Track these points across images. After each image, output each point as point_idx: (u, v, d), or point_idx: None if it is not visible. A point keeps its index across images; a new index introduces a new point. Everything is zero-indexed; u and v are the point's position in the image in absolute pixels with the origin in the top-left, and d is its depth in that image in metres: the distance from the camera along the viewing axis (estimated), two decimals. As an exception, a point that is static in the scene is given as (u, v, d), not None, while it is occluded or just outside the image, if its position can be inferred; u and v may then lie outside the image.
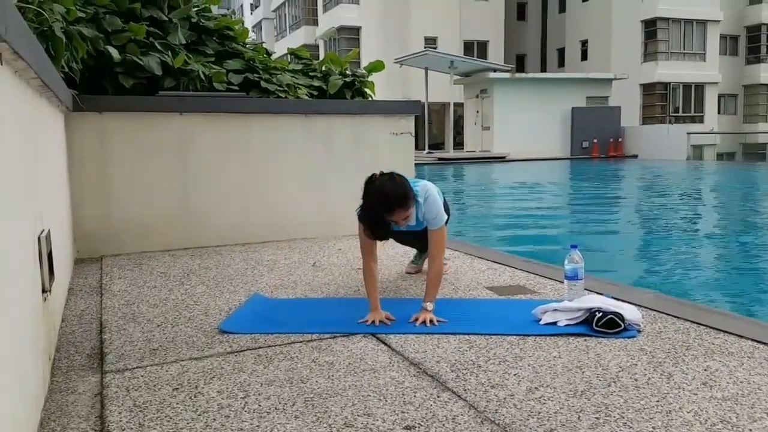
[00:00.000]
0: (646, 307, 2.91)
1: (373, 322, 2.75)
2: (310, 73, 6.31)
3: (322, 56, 8.64)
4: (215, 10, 6.27)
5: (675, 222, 10.01)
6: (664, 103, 31.81)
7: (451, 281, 3.58)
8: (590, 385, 2.07)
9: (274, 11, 43.78)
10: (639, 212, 11.48)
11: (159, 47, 5.12)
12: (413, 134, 5.68)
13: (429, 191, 2.97)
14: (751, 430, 1.75)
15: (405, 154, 5.58)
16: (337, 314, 2.95)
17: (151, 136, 4.70)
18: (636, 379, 2.11)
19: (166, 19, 5.41)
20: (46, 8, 3.41)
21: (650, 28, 31.53)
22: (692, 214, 11.34)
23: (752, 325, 2.72)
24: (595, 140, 27.27)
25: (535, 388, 2.05)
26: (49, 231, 2.50)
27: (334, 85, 6.02)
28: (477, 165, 23.99)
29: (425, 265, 3.86)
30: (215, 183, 4.89)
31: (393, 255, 4.40)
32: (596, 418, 1.83)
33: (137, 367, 2.31)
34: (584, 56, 35.05)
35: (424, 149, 26.49)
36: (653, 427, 1.77)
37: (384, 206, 2.73)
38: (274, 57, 6.61)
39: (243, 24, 6.56)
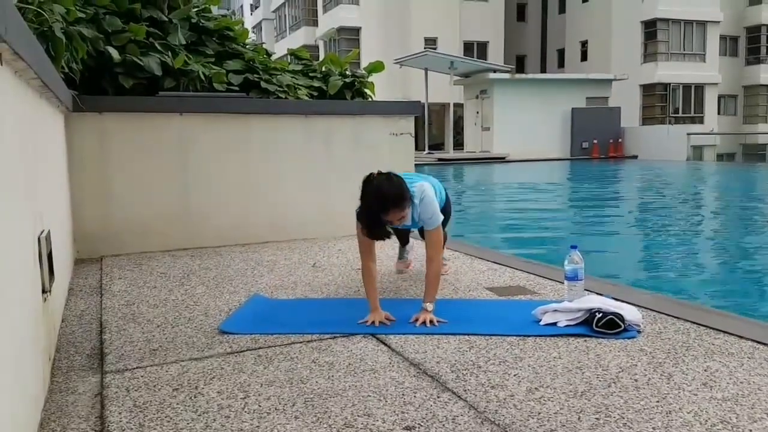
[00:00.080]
0: (645, 308, 2.91)
1: (373, 322, 2.75)
2: (310, 74, 6.31)
3: (322, 57, 8.65)
4: (215, 10, 6.27)
5: (675, 223, 10.01)
6: (664, 103, 31.81)
7: (451, 282, 3.58)
8: (590, 386, 2.07)
9: (274, 12, 43.79)
10: (639, 213, 11.48)
11: (159, 48, 5.12)
12: (413, 135, 5.68)
13: (425, 192, 2.97)
14: (751, 430, 1.75)
15: (405, 154, 5.58)
16: (337, 315, 2.95)
17: (151, 136, 4.70)
18: (636, 380, 2.11)
19: (166, 19, 5.41)
20: (46, 9, 3.41)
21: (650, 28, 31.52)
22: (692, 214, 11.34)
23: (752, 326, 2.72)
24: (595, 141, 27.27)
25: (535, 388, 2.05)
26: (49, 231, 2.50)
27: (334, 86, 6.02)
28: (477, 165, 23.98)
29: (410, 256, 3.87)
30: (215, 183, 4.89)
31: (393, 255, 4.39)
32: (596, 418, 1.83)
33: (137, 368, 2.31)
34: (584, 57, 35.05)
35: (424, 150, 26.49)
36: (653, 428, 1.77)
37: (380, 206, 2.74)
38: (274, 57, 6.61)
39: (243, 24, 6.57)
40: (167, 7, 5.50)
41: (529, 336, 2.58)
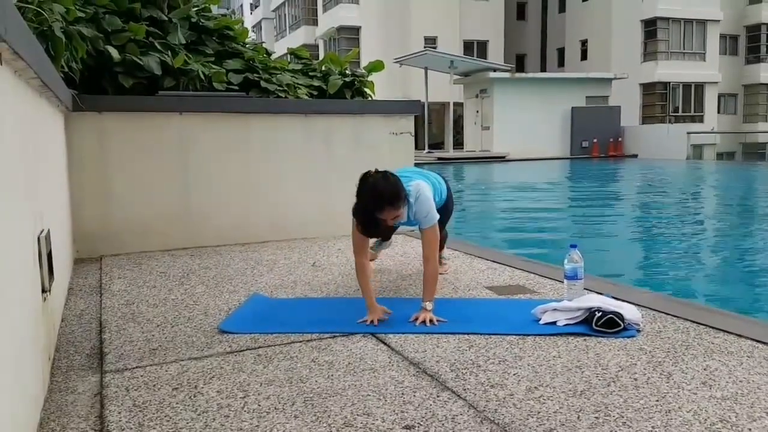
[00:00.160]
0: (645, 307, 2.91)
1: (372, 321, 2.76)
2: (310, 73, 6.30)
3: (321, 56, 8.65)
4: (215, 9, 6.26)
5: (674, 221, 10.01)
6: (664, 102, 31.80)
7: (451, 281, 3.58)
8: (590, 385, 2.07)
9: (273, 11, 43.77)
10: (639, 212, 11.48)
11: (159, 47, 5.12)
12: (413, 134, 5.68)
13: (420, 190, 2.97)
14: (750, 429, 1.75)
15: (405, 153, 5.58)
16: (337, 314, 2.95)
17: (151, 136, 4.70)
18: (635, 379, 2.11)
19: (166, 18, 5.41)
20: (45, 8, 3.41)
21: (650, 27, 31.52)
22: (692, 213, 11.34)
23: (752, 325, 2.72)
24: (595, 140, 27.27)
25: (535, 387, 2.06)
26: (48, 231, 2.50)
27: (334, 85, 6.02)
28: (477, 165, 23.98)
29: (381, 255, 3.87)
30: (215, 183, 4.89)
31: (393, 255, 4.40)
32: (596, 417, 1.83)
33: (137, 367, 2.32)
34: (584, 56, 35.04)
35: (423, 149, 26.49)
36: (653, 427, 1.77)
37: (375, 204, 2.75)
38: (273, 57, 6.61)
39: (243, 24, 6.56)
40: (167, 7, 5.50)
41: (528, 335, 2.58)
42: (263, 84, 5.58)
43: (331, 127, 5.31)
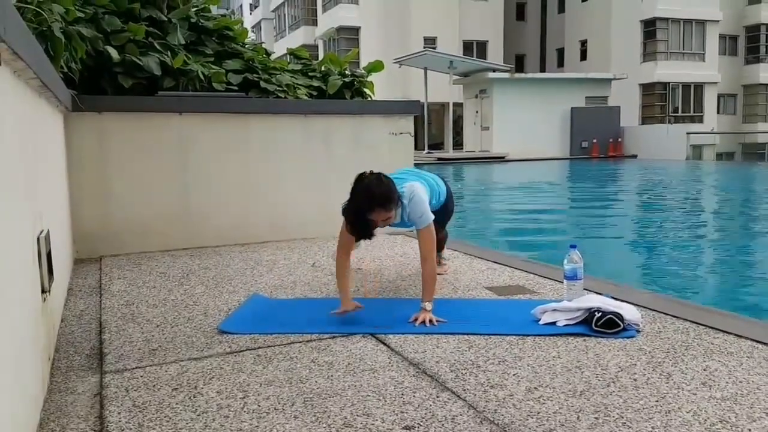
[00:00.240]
0: (645, 307, 2.91)
1: (345, 311, 2.80)
2: (310, 73, 6.30)
3: (321, 56, 8.65)
4: (214, 10, 6.26)
5: (674, 222, 10.02)
6: (664, 103, 31.81)
7: (451, 281, 3.58)
8: (589, 385, 2.07)
9: (273, 11, 43.77)
10: (638, 212, 11.48)
11: (158, 47, 5.12)
12: (412, 134, 5.68)
13: (414, 192, 2.98)
14: (750, 429, 1.75)
15: (404, 154, 5.58)
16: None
17: (151, 136, 4.70)
18: (635, 379, 2.11)
19: (166, 19, 5.40)
20: (45, 8, 3.41)
21: (649, 28, 31.53)
22: (691, 213, 11.34)
23: (751, 325, 2.72)
24: (595, 140, 27.28)
25: (535, 388, 2.06)
26: (48, 231, 2.50)
27: (334, 86, 6.02)
28: (476, 165, 23.99)
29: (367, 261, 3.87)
30: (215, 183, 4.89)
31: (393, 255, 4.40)
32: (595, 418, 1.83)
33: (136, 368, 2.32)
34: (583, 56, 35.05)
35: (423, 149, 26.50)
36: (652, 427, 1.77)
37: (366, 204, 2.77)
38: (273, 57, 6.61)
39: (242, 24, 6.56)
40: (166, 7, 5.50)
41: (528, 335, 2.58)
42: (263, 84, 5.58)
43: (330, 127, 5.31)
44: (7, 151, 1.66)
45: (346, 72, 6.40)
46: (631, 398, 1.96)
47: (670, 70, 31.37)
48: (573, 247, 3.04)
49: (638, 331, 2.60)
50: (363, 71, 6.42)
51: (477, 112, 28.66)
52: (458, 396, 2.00)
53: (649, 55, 31.80)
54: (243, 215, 5.00)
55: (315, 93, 6.05)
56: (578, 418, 1.83)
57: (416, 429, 1.78)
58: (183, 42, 5.40)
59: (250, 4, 50.98)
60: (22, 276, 1.85)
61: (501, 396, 2.00)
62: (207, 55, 5.65)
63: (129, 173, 4.63)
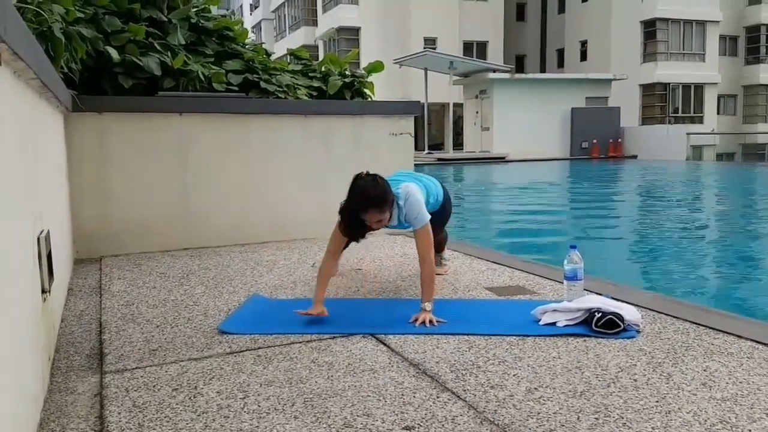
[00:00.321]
0: (645, 308, 2.91)
1: (309, 313, 2.80)
2: (310, 74, 6.31)
3: (321, 57, 8.64)
4: (215, 10, 6.27)
5: (674, 222, 10.02)
6: (664, 103, 31.82)
7: (451, 281, 3.58)
8: (589, 386, 2.07)
9: (273, 12, 43.78)
10: (638, 213, 11.48)
11: (158, 48, 5.12)
12: (413, 135, 5.68)
13: (410, 192, 2.99)
14: (750, 430, 1.75)
15: (404, 154, 5.58)
16: (337, 314, 2.95)
17: (151, 136, 4.70)
18: (635, 380, 2.11)
19: (166, 19, 5.40)
20: (45, 9, 3.41)
21: (649, 28, 31.53)
22: (692, 214, 11.35)
23: (752, 326, 2.72)
24: (595, 141, 27.28)
25: (535, 388, 2.06)
26: (48, 231, 2.50)
27: (334, 86, 6.02)
28: (476, 165, 23.99)
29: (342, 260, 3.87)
30: (215, 183, 4.89)
31: (392, 255, 4.40)
32: (595, 418, 1.83)
33: (137, 368, 2.31)
34: (584, 57, 35.06)
35: (423, 150, 26.50)
36: (652, 428, 1.77)
37: (361, 205, 2.79)
38: (273, 57, 6.61)
39: (242, 24, 6.56)
40: (167, 7, 5.50)
41: (528, 336, 2.58)
42: (263, 85, 5.58)
43: (330, 127, 5.31)
44: (7, 151, 1.66)
45: (347, 72, 6.40)
46: (631, 399, 1.96)
47: (670, 71, 31.38)
48: (573, 247, 3.04)
49: (638, 332, 2.60)
50: (363, 72, 6.43)
51: (477, 112, 28.66)
52: (458, 396, 2.00)
53: (649, 55, 31.81)
54: (243, 215, 5.00)
55: (315, 93, 6.05)
56: (578, 418, 1.83)
57: (416, 429, 1.78)
58: (183, 42, 5.40)
59: (251, 5, 50.99)
60: (22, 276, 1.85)
61: (501, 396, 2.00)
62: (207, 55, 5.65)
63: (129, 173, 4.63)
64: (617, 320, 2.56)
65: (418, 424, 1.82)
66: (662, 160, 24.54)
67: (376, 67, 6.44)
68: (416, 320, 2.75)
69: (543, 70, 37.45)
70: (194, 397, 2.03)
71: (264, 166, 5.07)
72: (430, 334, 2.63)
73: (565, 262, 3.03)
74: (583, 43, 35.11)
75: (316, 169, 5.24)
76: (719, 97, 33.66)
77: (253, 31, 42.72)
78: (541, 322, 2.71)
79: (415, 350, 2.45)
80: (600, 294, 2.94)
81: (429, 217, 2.99)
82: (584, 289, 3.02)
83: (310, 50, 13.97)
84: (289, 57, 6.96)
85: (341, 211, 2.94)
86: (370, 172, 2.88)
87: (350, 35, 32.86)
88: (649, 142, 26.92)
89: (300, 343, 2.56)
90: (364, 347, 2.49)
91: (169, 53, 5.15)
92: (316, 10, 37.33)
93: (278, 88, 5.64)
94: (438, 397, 2.00)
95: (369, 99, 6.35)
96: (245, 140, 4.99)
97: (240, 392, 2.07)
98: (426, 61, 27.05)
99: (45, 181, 2.76)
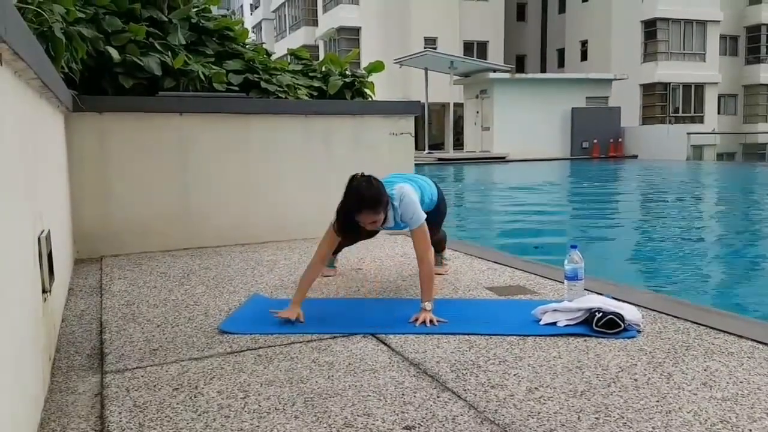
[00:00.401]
0: (645, 308, 2.91)
1: (287, 316, 2.77)
2: (310, 74, 6.31)
3: (321, 57, 8.64)
4: (215, 10, 6.26)
5: (675, 222, 10.01)
6: (664, 103, 31.81)
7: (451, 281, 3.58)
8: (590, 386, 2.07)
9: (273, 12, 43.78)
10: (639, 213, 11.48)
11: (159, 48, 5.12)
12: (413, 134, 5.68)
13: (404, 193, 3.00)
14: (750, 430, 1.75)
15: (405, 154, 5.58)
16: (337, 314, 2.96)
17: (151, 136, 4.70)
18: (636, 380, 2.11)
19: (166, 19, 5.41)
20: (45, 9, 3.41)
21: (650, 28, 31.52)
22: (692, 214, 11.34)
23: (752, 325, 2.72)
24: (595, 140, 27.27)
25: (535, 388, 2.06)
26: (49, 231, 2.50)
27: (334, 86, 6.02)
28: (477, 165, 23.99)
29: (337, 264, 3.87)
30: (215, 183, 4.89)
31: (393, 255, 4.40)
32: (596, 418, 1.83)
33: (137, 368, 2.32)
34: (584, 57, 35.05)
35: (424, 149, 26.50)
36: (653, 427, 1.77)
37: (355, 205, 2.81)
38: (273, 57, 6.61)
39: (243, 24, 6.56)
40: (167, 7, 5.50)
41: (528, 336, 2.58)
42: (263, 85, 5.58)
43: (330, 127, 5.31)
44: (7, 151, 1.66)
45: (347, 72, 6.40)
46: (631, 398, 1.96)
47: (670, 71, 31.37)
48: (574, 247, 3.04)
49: (639, 332, 2.60)
50: (363, 72, 6.43)
51: (477, 112, 28.66)
52: (459, 396, 2.00)
53: (649, 55, 31.80)
54: (243, 215, 5.00)
55: (315, 93, 6.05)
56: (579, 418, 1.83)
57: (417, 429, 1.78)
58: (183, 42, 5.40)
59: (251, 5, 51.00)
60: (23, 276, 1.85)
61: (502, 396, 2.00)
62: (207, 55, 5.65)
63: (129, 173, 4.63)
64: (618, 320, 2.56)
65: (419, 423, 1.82)
66: (663, 159, 24.53)
67: (377, 67, 6.44)
68: (416, 320, 2.76)
69: (543, 70, 37.44)
70: (195, 397, 2.03)
71: (264, 166, 5.07)
72: (430, 333, 2.63)
73: (566, 261, 3.03)
74: (584, 43, 35.11)
75: (316, 169, 5.24)
76: (720, 97, 33.65)
77: (253, 31, 42.71)
78: (541, 322, 2.71)
79: (415, 350, 2.45)
80: (601, 294, 2.94)
81: (425, 216, 3.00)
82: (585, 289, 3.02)
83: (310, 50, 13.97)
84: (289, 57, 6.96)
85: (337, 212, 2.95)
86: (366, 174, 2.90)
87: (350, 35, 32.86)
88: (649, 142, 26.91)
89: (300, 342, 2.56)
90: (365, 347, 2.50)
91: (169, 53, 5.15)
92: (316, 10, 37.33)
93: (279, 88, 5.64)
94: (438, 397, 2.00)
95: (369, 99, 6.36)
96: (245, 140, 4.99)
97: (240, 392, 2.07)
98: (426, 61, 27.05)
99: (45, 181, 2.76)
